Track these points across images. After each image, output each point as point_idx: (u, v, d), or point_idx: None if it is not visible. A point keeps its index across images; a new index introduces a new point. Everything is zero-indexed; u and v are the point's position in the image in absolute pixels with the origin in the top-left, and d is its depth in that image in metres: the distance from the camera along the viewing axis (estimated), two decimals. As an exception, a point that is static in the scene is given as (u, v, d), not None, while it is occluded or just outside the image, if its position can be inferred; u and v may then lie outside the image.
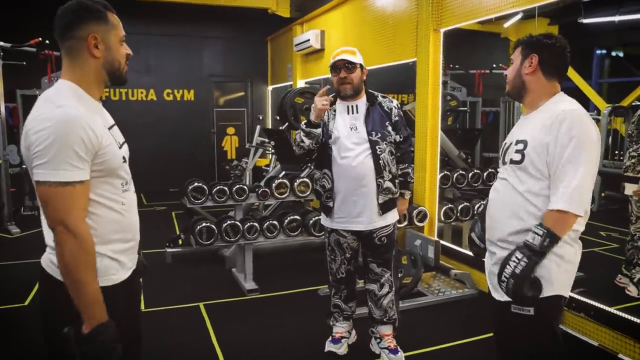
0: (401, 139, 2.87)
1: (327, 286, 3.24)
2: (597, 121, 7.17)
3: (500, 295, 1.86)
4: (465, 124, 7.73)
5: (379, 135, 2.76)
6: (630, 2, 6.62)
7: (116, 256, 1.59)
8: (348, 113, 2.83)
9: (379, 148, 2.75)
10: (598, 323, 3.08)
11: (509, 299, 1.81)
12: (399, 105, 2.93)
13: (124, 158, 1.61)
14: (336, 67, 2.79)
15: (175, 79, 9.19)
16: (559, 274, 1.79)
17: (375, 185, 2.77)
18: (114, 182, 1.57)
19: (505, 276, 1.75)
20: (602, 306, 3.09)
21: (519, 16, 7.00)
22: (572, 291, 3.26)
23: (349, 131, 2.78)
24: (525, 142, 1.83)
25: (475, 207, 4.64)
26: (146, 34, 8.74)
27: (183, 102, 9.31)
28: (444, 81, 5.29)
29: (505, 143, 1.99)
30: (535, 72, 1.87)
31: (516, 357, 1.94)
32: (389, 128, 2.82)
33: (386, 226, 2.88)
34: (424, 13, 4.47)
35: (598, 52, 8.75)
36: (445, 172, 4.80)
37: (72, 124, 1.40)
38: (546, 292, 1.77)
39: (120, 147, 1.61)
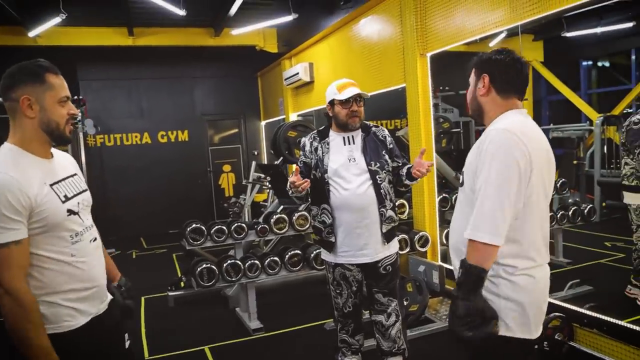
0: (399, 164, 2.85)
1: (332, 320, 3.17)
2: (590, 131, 7.21)
3: None
4: (460, 145, 7.74)
5: (378, 164, 2.75)
6: (610, 13, 6.74)
7: (71, 304, 1.64)
8: (345, 144, 2.80)
9: (379, 177, 2.73)
10: (613, 338, 3.00)
11: None
12: (388, 133, 2.94)
13: (70, 211, 1.66)
14: (348, 100, 2.75)
15: (169, 121, 9.23)
16: (500, 312, 1.65)
17: (379, 214, 2.74)
18: (60, 234, 1.63)
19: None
20: (615, 321, 3.01)
21: (503, 35, 7.11)
22: (582, 307, 3.23)
23: (347, 163, 2.75)
24: (467, 165, 1.78)
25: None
26: (137, 78, 8.84)
27: (178, 143, 9.34)
28: (435, 104, 5.32)
29: None
30: (489, 92, 1.79)
31: None
32: (386, 157, 2.81)
33: (390, 255, 2.83)
34: (409, 39, 4.52)
35: (584, 63, 8.86)
36: (444, 194, 4.77)
37: (0, 189, 1.49)
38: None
39: (65, 201, 1.66)
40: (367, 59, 5.47)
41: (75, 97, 7.14)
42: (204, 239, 4.11)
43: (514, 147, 1.60)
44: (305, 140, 2.92)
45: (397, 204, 2.90)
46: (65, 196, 1.67)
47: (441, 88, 7.32)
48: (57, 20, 5.86)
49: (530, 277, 1.68)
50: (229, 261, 3.99)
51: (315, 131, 2.94)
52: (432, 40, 4.32)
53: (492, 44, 7.81)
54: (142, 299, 5.15)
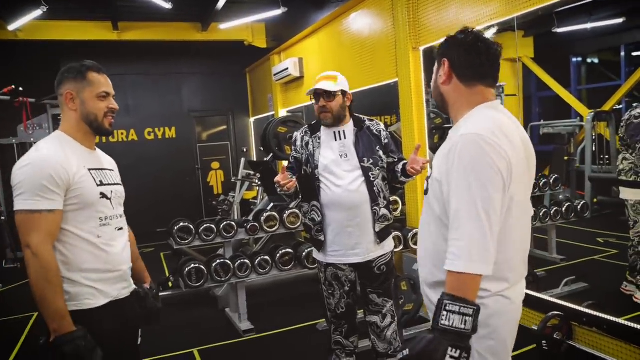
0: (395, 160, 2.73)
1: (325, 321, 3.07)
2: (581, 127, 7.20)
3: None
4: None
5: (371, 161, 2.63)
6: (600, 9, 6.72)
7: (92, 284, 1.77)
8: (335, 140, 2.69)
9: (372, 174, 2.62)
10: (613, 337, 2.94)
11: None
12: (384, 127, 2.81)
13: (102, 194, 1.82)
14: (316, 95, 2.68)
15: (156, 117, 9.06)
16: (473, 343, 1.34)
17: (371, 213, 2.62)
18: (91, 214, 1.79)
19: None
20: (615, 319, 2.95)
21: (494, 30, 7.08)
22: (580, 305, 3.17)
23: (338, 159, 2.64)
24: (432, 169, 1.55)
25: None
26: (123, 74, 8.63)
27: (165, 140, 9.18)
28: (427, 99, 5.25)
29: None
30: (450, 79, 1.54)
31: None
32: (380, 152, 2.69)
33: (384, 254, 2.72)
34: (401, 32, 4.43)
35: (574, 59, 8.85)
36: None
37: (43, 163, 1.69)
38: None
39: (100, 185, 1.83)
40: (358, 53, 5.37)
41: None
42: (192, 238, 4.00)
43: (492, 156, 1.36)
44: (297, 135, 2.82)
45: (391, 200, 2.80)
46: (101, 182, 1.84)
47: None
48: (37, 13, 5.67)
49: (505, 299, 1.48)
50: (218, 261, 3.88)
51: (306, 125, 2.83)
52: (425, 33, 4.23)
53: (484, 39, 7.81)
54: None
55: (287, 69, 7.02)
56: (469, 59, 1.50)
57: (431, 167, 1.60)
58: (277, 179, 2.53)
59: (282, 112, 7.93)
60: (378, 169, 2.65)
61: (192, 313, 4.58)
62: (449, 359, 1.26)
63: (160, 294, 4.78)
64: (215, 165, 9.62)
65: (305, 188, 2.71)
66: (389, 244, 2.76)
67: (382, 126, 2.79)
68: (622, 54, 8.18)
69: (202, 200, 9.39)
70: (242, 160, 6.86)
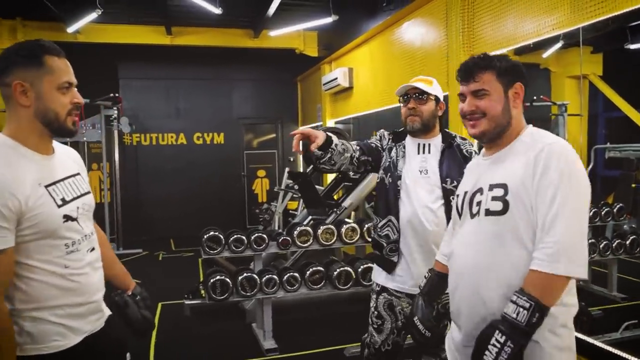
0: None
1: (358, 351, 2.71)
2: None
3: None
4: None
5: (455, 183, 2.23)
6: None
7: (62, 321, 1.45)
8: (418, 152, 2.36)
9: (453, 199, 2.25)
10: None
11: None
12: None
13: (67, 217, 1.46)
14: (406, 96, 2.38)
15: (205, 123, 9.13)
16: None
17: None
18: (54, 243, 1.44)
19: None
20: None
21: (559, 44, 6.63)
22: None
23: (417, 175, 2.31)
24: (505, 187, 1.46)
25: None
26: (175, 78, 8.77)
27: (213, 146, 9.22)
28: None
29: (466, 191, 1.62)
30: (520, 102, 1.58)
31: None
32: None
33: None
34: (454, 43, 4.15)
35: (648, 79, 8.18)
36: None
37: None
38: None
39: (62, 205, 1.46)
40: (409, 64, 5.11)
41: (111, 94, 7.09)
42: (221, 248, 3.85)
43: (582, 165, 1.42)
44: (384, 132, 2.48)
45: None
46: (63, 199, 1.47)
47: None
48: (93, 16, 5.80)
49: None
50: (244, 274, 3.71)
51: (389, 132, 2.49)
52: (480, 43, 3.94)
53: (546, 54, 7.34)
54: (159, 305, 4.95)
55: (336, 78, 6.86)
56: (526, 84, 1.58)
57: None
58: (295, 133, 2.12)
59: (330, 123, 7.78)
60: None
61: (218, 325, 4.44)
62: (494, 342, 1.32)
63: (189, 302, 4.71)
64: (261, 173, 9.58)
65: (382, 199, 2.39)
66: None
67: (476, 147, 2.41)
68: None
69: (246, 208, 9.36)
70: (286, 169, 6.75)
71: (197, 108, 9.08)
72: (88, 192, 1.60)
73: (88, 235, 1.55)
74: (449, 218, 2.17)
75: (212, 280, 3.62)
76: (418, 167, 2.32)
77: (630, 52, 6.20)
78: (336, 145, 2.19)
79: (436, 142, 2.37)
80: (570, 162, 1.40)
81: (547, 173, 1.39)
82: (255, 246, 3.92)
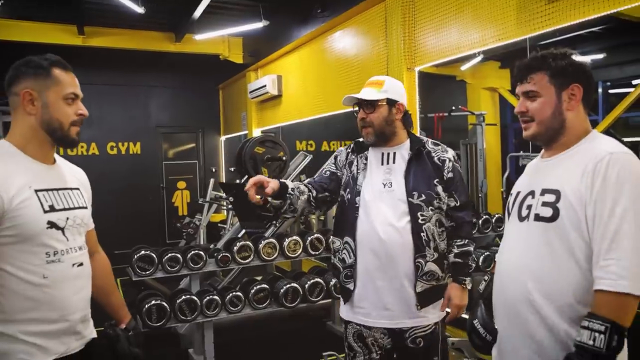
0: (457, 204, 2.09)
1: None
2: None
3: None
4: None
5: (423, 197, 2.02)
6: (583, 44, 6.72)
7: (31, 339, 1.41)
8: (382, 163, 2.11)
9: (421, 215, 2.01)
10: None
11: None
12: (456, 158, 2.19)
13: (51, 223, 1.46)
14: (358, 105, 2.13)
15: (120, 131, 8.49)
16: None
17: (414, 267, 2.00)
18: (34, 249, 1.43)
19: None
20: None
21: (479, 58, 6.93)
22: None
23: (380, 188, 2.06)
24: (557, 193, 1.41)
25: (480, 286, 4.00)
26: (87, 83, 7.90)
27: (128, 156, 8.60)
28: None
29: (519, 192, 1.57)
30: (578, 104, 1.49)
31: None
32: (438, 188, 2.06)
33: (425, 326, 2.05)
34: (394, 52, 4.12)
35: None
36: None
37: None
38: None
39: (49, 212, 1.46)
40: (344, 72, 5.03)
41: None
42: (154, 269, 3.51)
43: None
44: (342, 150, 2.28)
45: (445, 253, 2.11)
46: (52, 207, 1.49)
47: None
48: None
49: None
50: (183, 297, 3.39)
51: (353, 142, 2.25)
52: (422, 53, 3.93)
53: (465, 67, 7.66)
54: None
55: (264, 86, 6.65)
56: (593, 87, 1.52)
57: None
58: (248, 185, 1.89)
59: (257, 132, 7.55)
60: (432, 209, 2.03)
61: (149, 352, 4.03)
62: None
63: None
64: (182, 184, 9.09)
65: (340, 218, 2.16)
66: (433, 312, 2.08)
67: (450, 155, 2.15)
68: (600, 90, 8.17)
69: (166, 221, 8.80)
70: (211, 181, 6.42)
71: (111, 116, 8.42)
72: (84, 208, 1.63)
73: (75, 249, 1.54)
74: (415, 238, 2.00)
75: (147, 306, 3.26)
76: (381, 180, 2.08)
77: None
78: (292, 189, 2.02)
79: (402, 150, 2.12)
80: (632, 173, 1.33)
81: (606, 184, 1.32)
82: (192, 265, 3.61)
